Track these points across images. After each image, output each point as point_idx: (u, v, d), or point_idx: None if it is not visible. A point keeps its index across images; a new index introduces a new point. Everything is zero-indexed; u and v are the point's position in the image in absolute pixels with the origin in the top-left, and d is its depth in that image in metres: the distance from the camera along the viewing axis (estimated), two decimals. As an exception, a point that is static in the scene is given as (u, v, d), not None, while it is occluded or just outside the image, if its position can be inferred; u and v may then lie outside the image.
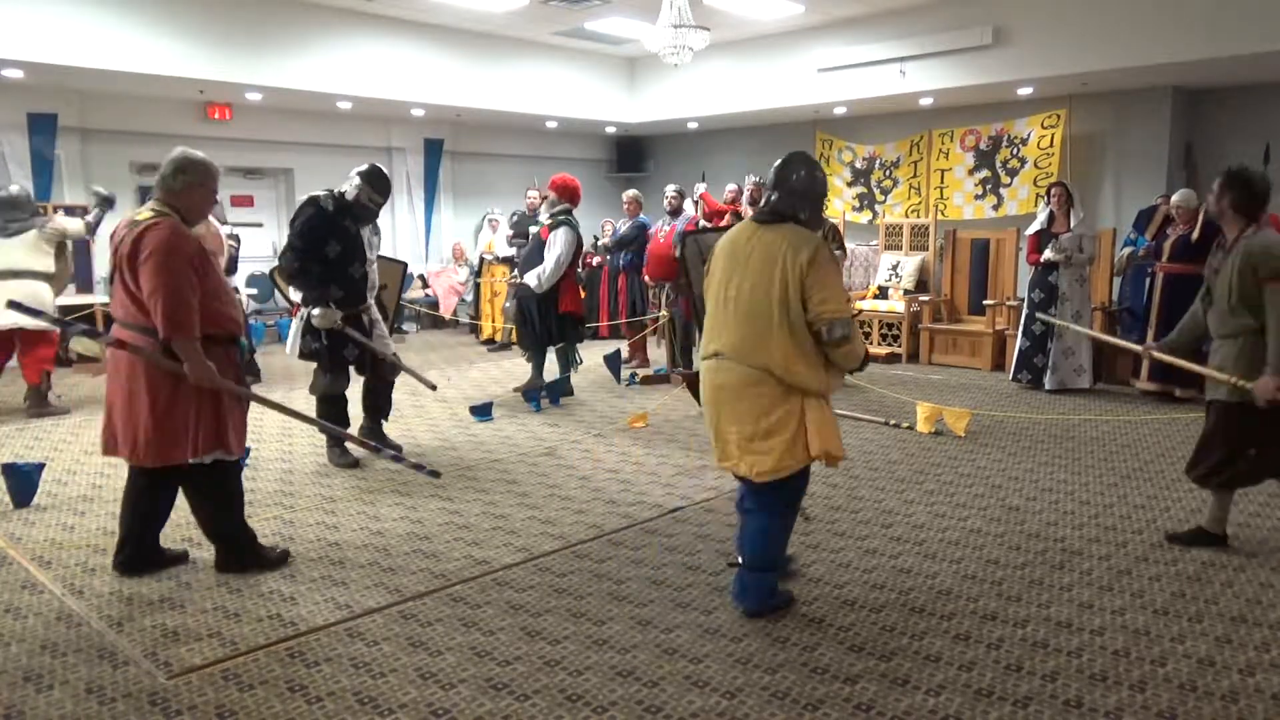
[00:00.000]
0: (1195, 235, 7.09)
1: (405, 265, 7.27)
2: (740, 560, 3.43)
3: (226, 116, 10.50)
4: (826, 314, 3.15)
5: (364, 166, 5.36)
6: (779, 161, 3.40)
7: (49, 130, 9.31)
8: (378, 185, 5.32)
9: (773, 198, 3.37)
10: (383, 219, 13.20)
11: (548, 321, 7.15)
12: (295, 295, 5.38)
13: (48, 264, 6.83)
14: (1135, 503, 4.72)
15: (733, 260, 3.31)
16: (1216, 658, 3.06)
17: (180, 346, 3.48)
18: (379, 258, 6.11)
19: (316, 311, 5.15)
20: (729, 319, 3.29)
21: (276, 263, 5.42)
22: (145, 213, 3.59)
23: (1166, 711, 2.73)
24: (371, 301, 5.48)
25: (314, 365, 5.41)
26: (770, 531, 3.39)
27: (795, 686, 2.88)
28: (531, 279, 6.95)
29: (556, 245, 6.92)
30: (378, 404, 5.70)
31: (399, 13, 9.69)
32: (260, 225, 11.11)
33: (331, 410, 5.40)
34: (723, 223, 8.37)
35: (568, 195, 7.16)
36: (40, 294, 6.62)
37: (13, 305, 3.95)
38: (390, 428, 6.47)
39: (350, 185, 5.30)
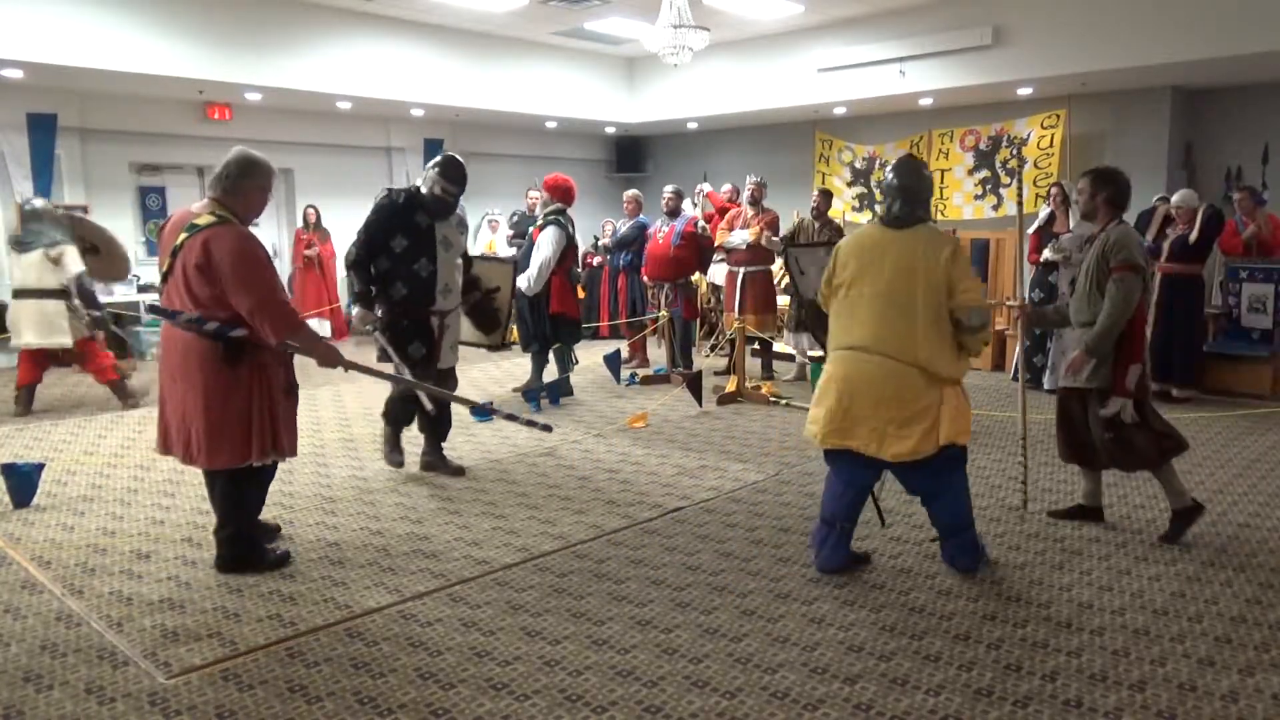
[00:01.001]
0: (1194, 236, 7.10)
1: (515, 263, 6.74)
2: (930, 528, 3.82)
3: (226, 116, 10.49)
4: (968, 302, 3.47)
5: (439, 157, 5.12)
6: (894, 170, 3.69)
7: (49, 130, 9.30)
8: (449, 173, 5.00)
9: (894, 205, 3.62)
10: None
11: (540, 323, 7.16)
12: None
13: (58, 280, 6.70)
14: (1135, 503, 4.72)
15: (864, 262, 3.58)
16: (1216, 658, 3.06)
17: (298, 340, 3.59)
18: (480, 258, 5.79)
19: (355, 311, 4.99)
20: (867, 315, 3.54)
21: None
22: (205, 217, 3.55)
23: (1166, 711, 2.73)
24: (450, 305, 5.13)
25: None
26: (961, 492, 3.71)
27: (795, 686, 2.88)
28: (522, 281, 6.96)
29: (543, 247, 6.94)
30: (433, 425, 5.29)
31: (399, 13, 9.69)
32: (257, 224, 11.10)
33: (401, 408, 5.23)
34: (723, 221, 8.38)
35: (560, 194, 7.16)
36: (55, 317, 6.65)
37: (153, 309, 3.96)
38: (390, 428, 6.47)
39: (425, 177, 5.06)
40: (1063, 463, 4.56)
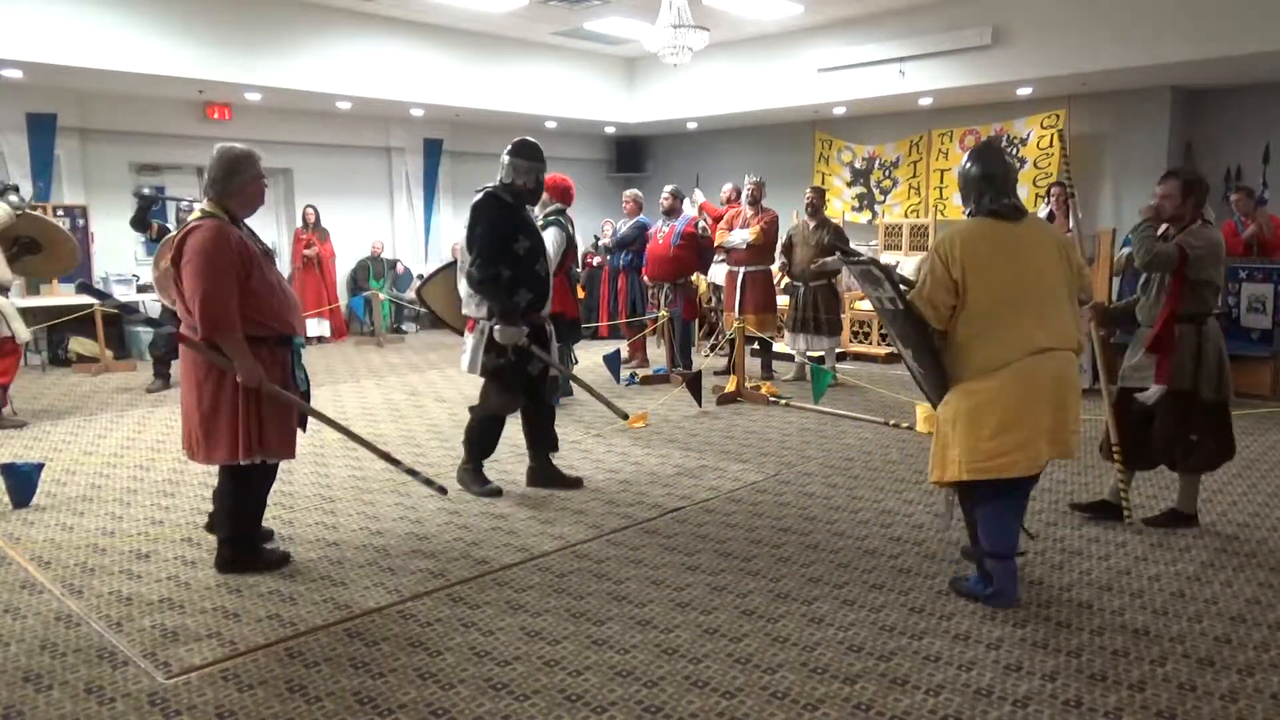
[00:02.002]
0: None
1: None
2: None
3: (226, 116, 10.50)
4: (1089, 284, 3.63)
5: (509, 145, 4.70)
6: (990, 160, 3.42)
7: (49, 130, 9.31)
8: (531, 153, 4.64)
9: (995, 197, 3.39)
10: (380, 218, 13.21)
11: None
12: (471, 310, 4.70)
13: None
14: (1134, 503, 4.71)
15: (1009, 258, 3.32)
16: (1216, 658, 3.06)
17: (225, 345, 3.49)
18: None
19: (500, 327, 4.52)
20: (1039, 312, 3.31)
21: (419, 282, 4.66)
22: (195, 213, 3.65)
23: (1166, 711, 2.73)
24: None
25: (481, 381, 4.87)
26: None
27: (795, 686, 2.88)
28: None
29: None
30: (546, 434, 5.03)
31: (399, 13, 9.69)
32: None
33: (489, 431, 4.87)
34: (723, 221, 8.37)
35: (559, 195, 7.14)
36: None
37: (83, 288, 3.92)
38: (390, 428, 6.48)
39: (508, 170, 4.64)
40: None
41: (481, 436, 4.89)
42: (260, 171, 3.74)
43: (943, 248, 3.34)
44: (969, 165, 3.46)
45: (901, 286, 3.46)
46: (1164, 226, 4.21)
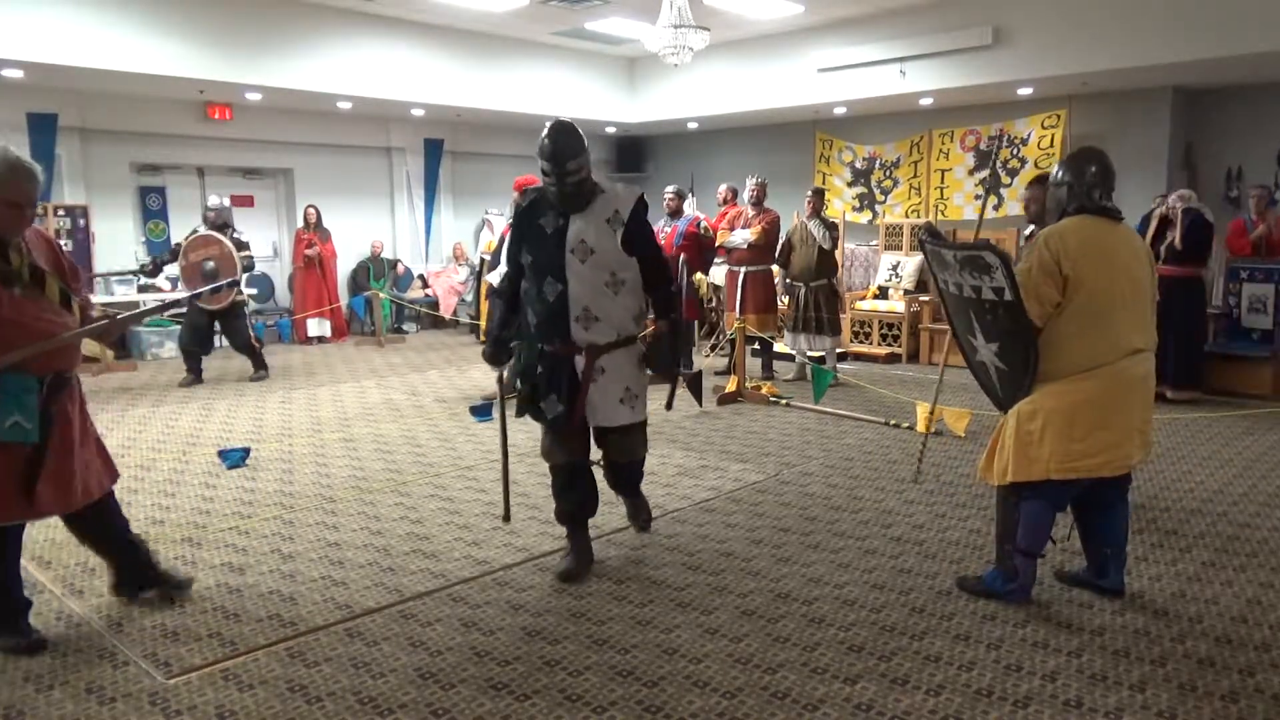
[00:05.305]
0: (1177, 239, 7.09)
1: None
2: (1108, 550, 3.56)
3: (226, 116, 10.50)
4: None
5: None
6: (1098, 158, 3.43)
7: (49, 130, 9.31)
8: (540, 146, 3.56)
9: (1100, 195, 3.38)
10: (381, 219, 13.18)
11: None
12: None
13: None
14: (1134, 502, 4.70)
15: (1110, 260, 3.27)
16: (1217, 658, 3.06)
17: None
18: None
19: (486, 353, 4.03)
20: (1133, 315, 3.30)
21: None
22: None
23: (1166, 712, 2.73)
24: (604, 338, 3.65)
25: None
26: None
27: (795, 686, 2.88)
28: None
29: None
30: (617, 479, 4.17)
31: (399, 13, 9.69)
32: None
33: (558, 483, 3.87)
34: (723, 221, 8.37)
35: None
36: None
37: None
38: (391, 428, 6.48)
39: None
40: None
41: (559, 495, 3.91)
42: (19, 200, 2.96)
43: (1053, 242, 3.24)
44: (1084, 163, 3.42)
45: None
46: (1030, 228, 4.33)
